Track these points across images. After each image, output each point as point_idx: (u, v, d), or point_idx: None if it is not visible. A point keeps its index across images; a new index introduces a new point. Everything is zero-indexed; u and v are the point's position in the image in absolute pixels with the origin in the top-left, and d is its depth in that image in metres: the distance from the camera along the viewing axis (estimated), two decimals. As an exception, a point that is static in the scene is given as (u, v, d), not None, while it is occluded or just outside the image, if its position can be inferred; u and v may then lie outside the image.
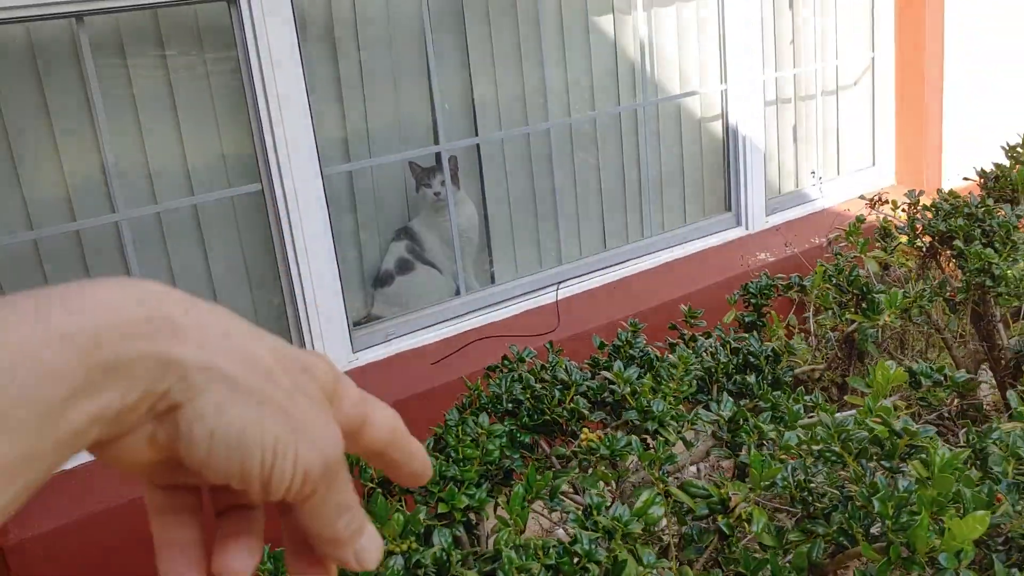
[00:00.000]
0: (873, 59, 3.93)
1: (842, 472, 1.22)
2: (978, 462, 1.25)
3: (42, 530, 2.10)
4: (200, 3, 2.39)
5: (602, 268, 3.25)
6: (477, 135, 3.06)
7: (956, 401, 2.24)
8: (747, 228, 3.62)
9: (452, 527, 1.25)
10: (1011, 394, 1.66)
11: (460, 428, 1.43)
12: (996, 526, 1.09)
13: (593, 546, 1.05)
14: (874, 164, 4.06)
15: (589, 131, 3.31)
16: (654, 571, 1.03)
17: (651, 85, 3.38)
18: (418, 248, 3.02)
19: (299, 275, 2.60)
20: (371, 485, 1.50)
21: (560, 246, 3.25)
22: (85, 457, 0.37)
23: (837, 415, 1.24)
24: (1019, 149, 2.36)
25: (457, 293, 3.03)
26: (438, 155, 2.95)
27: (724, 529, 1.16)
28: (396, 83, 2.90)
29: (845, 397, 2.04)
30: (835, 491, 1.21)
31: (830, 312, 2.32)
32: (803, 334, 2.72)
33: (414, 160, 2.97)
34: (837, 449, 1.18)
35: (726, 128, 3.57)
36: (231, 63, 2.49)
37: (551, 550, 1.06)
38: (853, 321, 2.01)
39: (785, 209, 3.76)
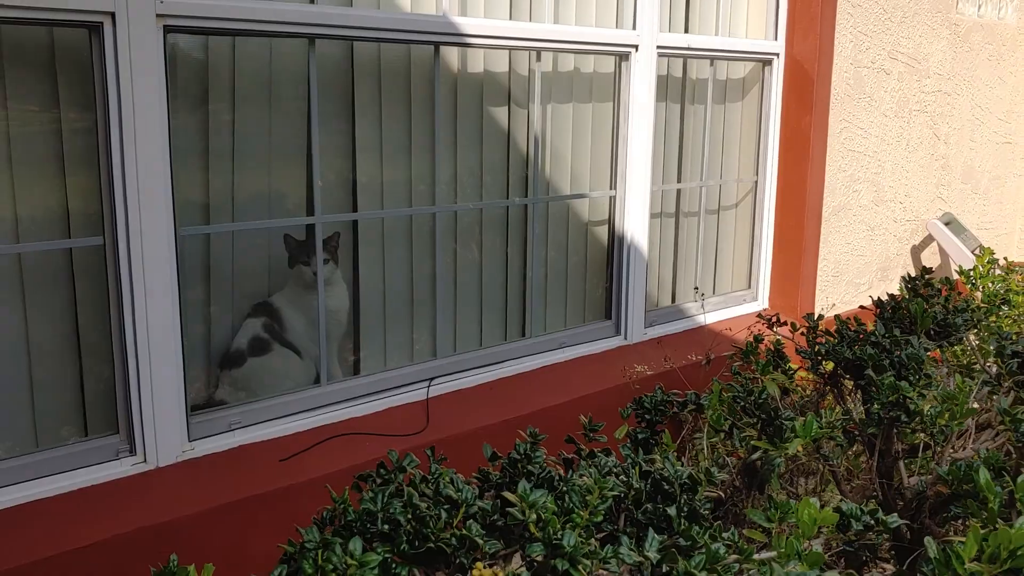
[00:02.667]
0: (756, 183, 3.96)
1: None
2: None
3: None
4: (58, 25, 2.08)
5: (477, 367, 3.02)
6: (356, 211, 2.82)
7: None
8: (626, 338, 3.49)
9: None
10: (928, 540, 1.52)
11: (321, 554, 1.14)
12: None
13: None
14: (749, 286, 4.05)
15: (475, 223, 3.13)
16: None
17: (542, 183, 3.25)
18: (277, 327, 2.71)
19: (135, 346, 2.24)
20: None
21: (435, 340, 3.01)
22: None
23: (787, 568, 1.04)
24: (918, 282, 2.32)
25: (317, 381, 2.72)
26: (310, 227, 2.69)
27: None
28: (271, 150, 2.64)
29: (744, 531, 1.87)
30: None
31: (722, 435, 2.17)
32: (686, 458, 2.56)
33: (290, 233, 2.69)
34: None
35: (612, 234, 3.47)
36: (84, 97, 2.17)
37: None
38: (756, 448, 1.84)
39: (663, 323, 3.66)
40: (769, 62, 3.85)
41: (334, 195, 2.78)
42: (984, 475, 1.42)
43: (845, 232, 4.10)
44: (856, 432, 1.99)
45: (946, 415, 1.74)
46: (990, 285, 2.85)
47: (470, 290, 3.15)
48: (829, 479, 2.38)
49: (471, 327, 3.17)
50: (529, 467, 1.38)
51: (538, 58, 3.11)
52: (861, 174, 4.14)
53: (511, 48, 3.00)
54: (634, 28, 3.28)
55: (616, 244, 3.45)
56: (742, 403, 1.82)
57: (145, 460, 2.30)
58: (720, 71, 3.78)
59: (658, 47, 3.35)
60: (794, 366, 2.32)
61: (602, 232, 3.49)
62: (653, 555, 1.10)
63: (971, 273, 2.89)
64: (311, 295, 2.72)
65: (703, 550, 1.12)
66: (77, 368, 2.32)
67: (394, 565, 1.16)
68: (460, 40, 2.80)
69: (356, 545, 1.08)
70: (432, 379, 2.89)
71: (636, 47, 3.28)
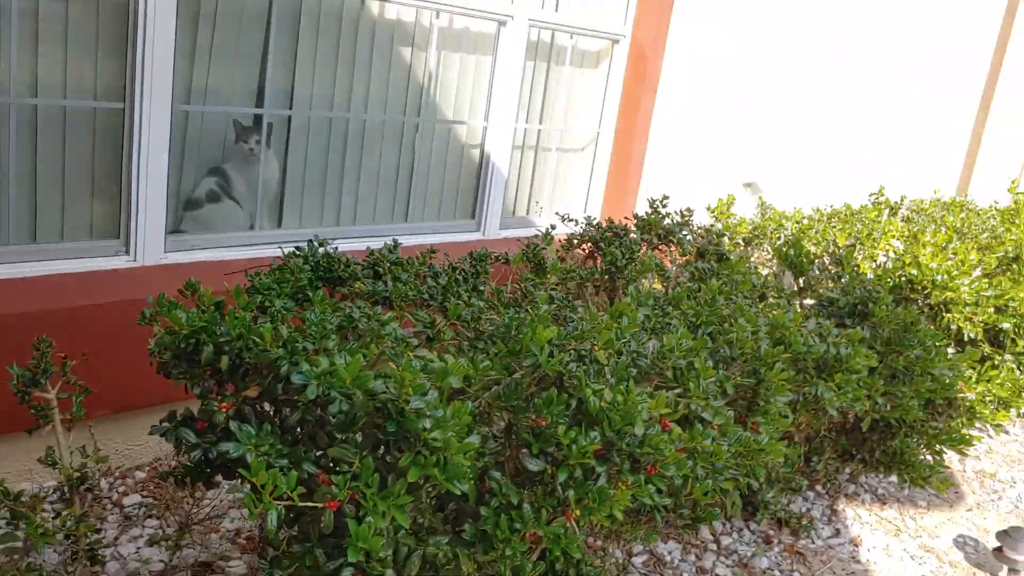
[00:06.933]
0: (598, 133, 5.18)
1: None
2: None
3: None
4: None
5: (367, 236, 4.17)
6: (291, 109, 3.90)
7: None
8: (484, 234, 4.69)
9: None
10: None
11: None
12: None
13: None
14: (585, 211, 5.30)
15: (377, 130, 4.24)
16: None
17: (432, 107, 4.38)
18: (226, 186, 3.79)
19: (137, 180, 3.30)
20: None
21: (339, 211, 4.14)
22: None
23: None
24: (659, 201, 3.57)
25: (252, 227, 3.83)
26: (259, 117, 3.76)
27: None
28: (237, 54, 3.69)
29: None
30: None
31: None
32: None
33: (238, 119, 3.75)
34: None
35: (482, 155, 4.64)
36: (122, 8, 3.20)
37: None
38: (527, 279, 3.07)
39: (514, 228, 4.88)
40: (617, 41, 5.05)
41: (278, 96, 3.85)
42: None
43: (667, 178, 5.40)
44: (598, 284, 3.25)
45: (635, 269, 2.99)
46: (726, 220, 4.15)
47: (370, 178, 4.27)
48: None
49: (368, 208, 4.29)
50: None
51: (437, 16, 4.22)
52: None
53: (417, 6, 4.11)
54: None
55: (484, 162, 4.63)
56: (528, 256, 3.03)
57: (135, 260, 3.38)
58: (578, 45, 4.96)
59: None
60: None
61: (475, 153, 4.66)
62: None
63: (715, 210, 4.19)
64: (250, 166, 3.80)
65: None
66: (91, 192, 3.36)
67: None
68: (382, -3, 3.89)
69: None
70: (331, 240, 4.02)
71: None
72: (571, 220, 3.69)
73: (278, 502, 1.74)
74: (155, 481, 3.51)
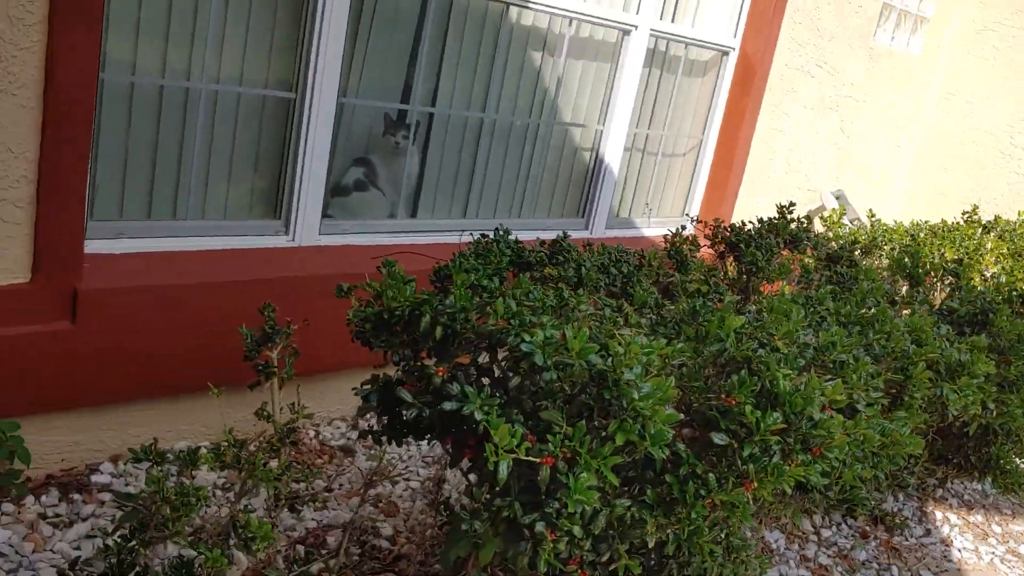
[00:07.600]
0: (702, 140, 5.38)
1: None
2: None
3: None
4: (294, -42, 3.36)
5: (488, 230, 4.40)
6: (434, 106, 4.14)
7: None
8: (591, 233, 4.91)
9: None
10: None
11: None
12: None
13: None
14: (683, 215, 5.50)
15: (505, 130, 4.48)
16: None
17: (554, 110, 4.61)
18: (372, 175, 4.05)
19: (301, 169, 3.56)
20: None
21: (466, 205, 4.38)
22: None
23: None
24: (785, 208, 3.77)
25: (391, 216, 4.08)
26: (403, 112, 4.01)
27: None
28: (391, 53, 3.94)
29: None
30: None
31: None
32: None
33: (388, 112, 4.01)
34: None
35: (595, 157, 4.86)
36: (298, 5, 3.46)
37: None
38: (670, 275, 3.28)
39: (618, 228, 5.09)
40: (727, 53, 5.25)
41: (424, 93, 4.10)
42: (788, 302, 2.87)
43: (761, 185, 5.58)
44: (727, 284, 3.45)
45: (774, 271, 3.19)
46: (837, 229, 4.34)
47: (495, 174, 4.50)
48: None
49: (490, 203, 4.53)
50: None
51: (570, 24, 4.45)
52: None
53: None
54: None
55: (596, 163, 4.85)
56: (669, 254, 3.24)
57: (293, 240, 3.64)
58: (689, 55, 5.16)
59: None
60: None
61: (586, 155, 4.88)
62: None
63: (827, 219, 4.39)
64: (394, 158, 4.05)
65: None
66: (255, 175, 3.63)
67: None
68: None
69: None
70: (464, 231, 4.26)
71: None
72: (700, 222, 3.90)
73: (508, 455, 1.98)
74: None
